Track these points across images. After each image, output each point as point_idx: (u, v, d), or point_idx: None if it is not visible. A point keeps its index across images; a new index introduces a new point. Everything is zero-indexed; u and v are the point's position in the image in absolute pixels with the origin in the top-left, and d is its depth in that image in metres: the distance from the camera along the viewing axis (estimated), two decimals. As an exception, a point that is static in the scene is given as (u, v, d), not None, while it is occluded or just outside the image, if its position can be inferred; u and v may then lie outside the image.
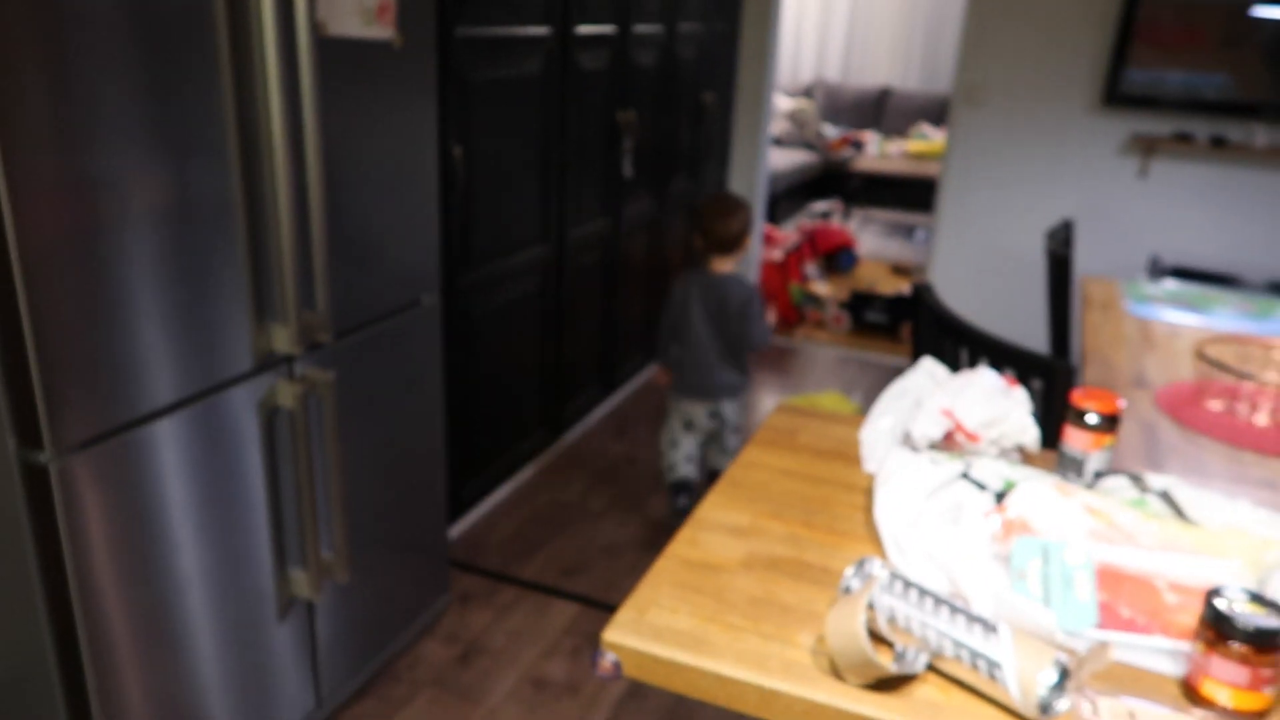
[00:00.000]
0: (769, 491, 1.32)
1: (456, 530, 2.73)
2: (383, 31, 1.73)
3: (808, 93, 7.65)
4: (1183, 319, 2.35)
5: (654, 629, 1.02)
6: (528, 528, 2.80)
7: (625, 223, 3.41)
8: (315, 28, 1.55)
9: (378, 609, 2.08)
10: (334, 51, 1.65)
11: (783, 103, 7.04)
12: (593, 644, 2.29)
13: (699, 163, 4.04)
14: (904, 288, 4.95)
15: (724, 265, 2.65)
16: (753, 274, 4.48)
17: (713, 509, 1.27)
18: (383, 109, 1.80)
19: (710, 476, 2.90)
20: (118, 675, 1.46)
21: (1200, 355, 1.81)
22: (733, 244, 2.62)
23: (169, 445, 1.47)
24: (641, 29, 3.25)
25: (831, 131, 7.15)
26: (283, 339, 1.63)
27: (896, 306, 4.53)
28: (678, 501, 2.77)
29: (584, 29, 2.86)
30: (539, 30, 2.62)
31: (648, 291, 3.74)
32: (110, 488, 1.39)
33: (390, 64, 1.80)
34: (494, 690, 2.13)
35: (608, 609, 2.43)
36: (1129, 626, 0.98)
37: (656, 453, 3.26)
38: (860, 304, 4.60)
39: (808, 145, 6.87)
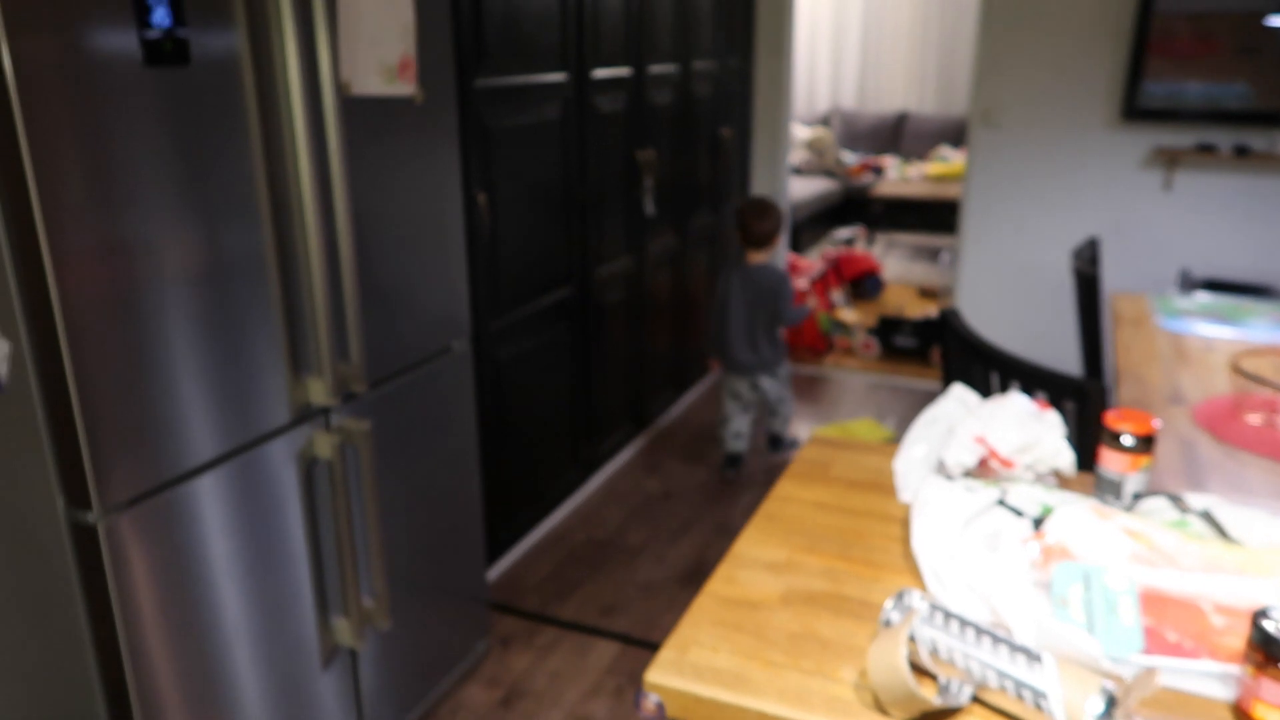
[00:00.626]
0: (804, 525, 1.32)
1: (494, 572, 2.73)
2: (405, 88, 1.77)
3: (825, 121, 7.69)
4: (1216, 332, 2.32)
5: (695, 668, 1.02)
6: (565, 567, 2.81)
7: (649, 259, 3.44)
8: (340, 88, 1.60)
9: (420, 654, 2.09)
10: (359, 110, 1.69)
11: (801, 132, 7.08)
12: (634, 683, 2.28)
13: (720, 196, 4.07)
14: (932, 311, 4.93)
15: (758, 257, 3.23)
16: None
17: (749, 545, 1.27)
18: (407, 161, 1.85)
19: (770, 440, 3.51)
20: (167, 730, 1.48)
21: (1236, 369, 1.80)
22: (766, 240, 3.19)
23: (211, 500, 1.50)
24: (656, 69, 3.29)
25: (851, 158, 7.18)
26: (318, 391, 1.66)
27: (925, 330, 4.51)
28: (727, 473, 3.37)
29: (600, 73, 2.91)
30: (556, 77, 2.67)
31: (674, 326, 3.76)
32: (156, 543, 1.42)
33: (413, 118, 1.84)
34: (537, 733, 2.13)
35: (648, 647, 2.42)
36: (1175, 651, 0.97)
37: (691, 487, 3.31)
38: (888, 329, 4.58)
39: (828, 173, 6.90)
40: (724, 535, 2.98)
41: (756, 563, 1.22)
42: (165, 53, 1.32)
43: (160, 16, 1.30)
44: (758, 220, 3.18)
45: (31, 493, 1.36)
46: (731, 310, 3.21)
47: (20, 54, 1.15)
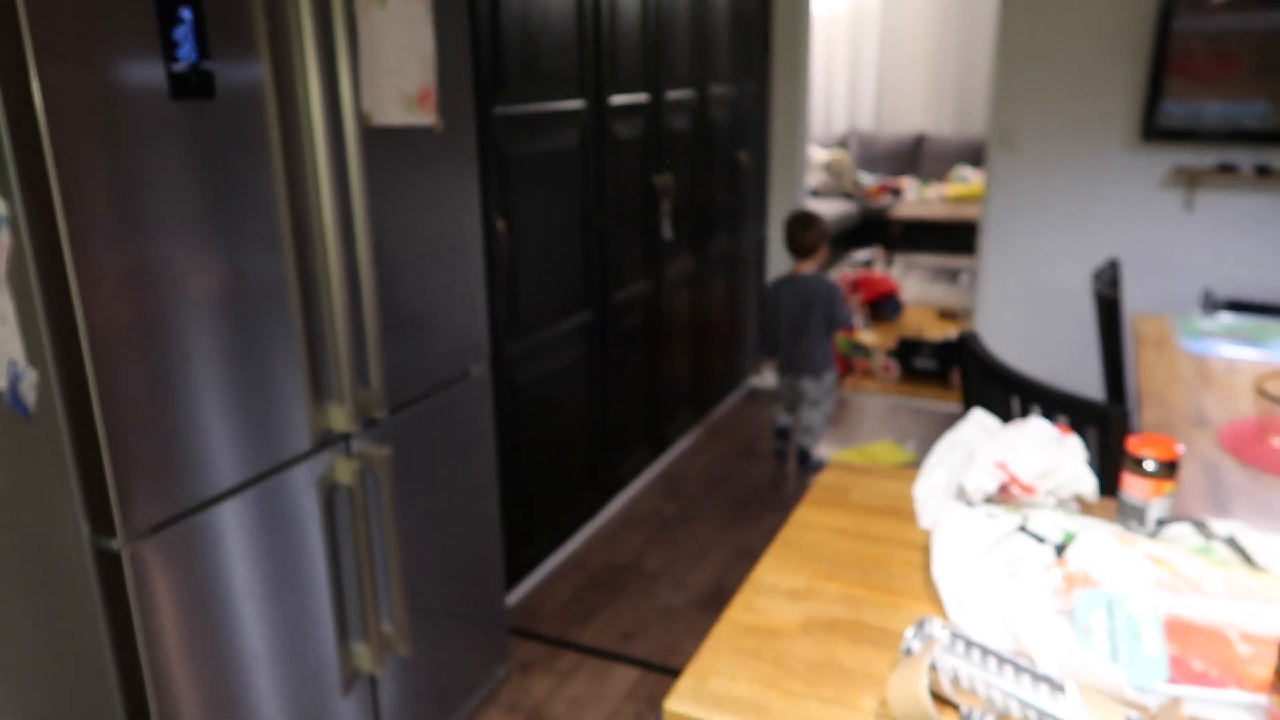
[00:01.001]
0: (824, 551, 1.31)
1: (513, 597, 2.73)
2: (425, 118, 1.80)
3: (843, 143, 7.71)
4: (1240, 353, 2.30)
5: (715, 697, 1.02)
6: (584, 592, 2.80)
7: (667, 283, 3.45)
8: (361, 119, 1.63)
9: (439, 680, 2.09)
10: (379, 139, 1.72)
11: (818, 154, 7.10)
12: (654, 708, 2.26)
13: (737, 220, 4.08)
14: (951, 333, 4.91)
15: (806, 267, 3.50)
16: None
17: (768, 572, 1.26)
18: (427, 189, 1.87)
19: (799, 455, 3.66)
20: (188, 757, 1.49)
21: (1261, 390, 1.78)
22: (810, 250, 3.48)
23: (233, 526, 1.51)
24: (674, 95, 3.32)
25: (869, 180, 7.19)
26: (339, 417, 1.68)
27: (945, 352, 4.49)
28: (776, 442, 3.74)
29: (617, 99, 2.94)
30: (574, 104, 2.70)
31: (693, 349, 3.76)
32: (179, 570, 1.43)
33: (433, 147, 1.86)
34: (557, 760, 2.12)
35: (668, 672, 2.40)
36: (1202, 680, 0.95)
37: (710, 510, 3.31)
38: (908, 351, 4.56)
39: (846, 195, 6.90)
40: (743, 559, 2.97)
41: (776, 590, 1.22)
42: (191, 85, 1.35)
43: (187, 51, 1.33)
44: (802, 231, 3.48)
45: (57, 520, 1.37)
46: (782, 318, 3.49)
47: (50, 86, 1.17)
